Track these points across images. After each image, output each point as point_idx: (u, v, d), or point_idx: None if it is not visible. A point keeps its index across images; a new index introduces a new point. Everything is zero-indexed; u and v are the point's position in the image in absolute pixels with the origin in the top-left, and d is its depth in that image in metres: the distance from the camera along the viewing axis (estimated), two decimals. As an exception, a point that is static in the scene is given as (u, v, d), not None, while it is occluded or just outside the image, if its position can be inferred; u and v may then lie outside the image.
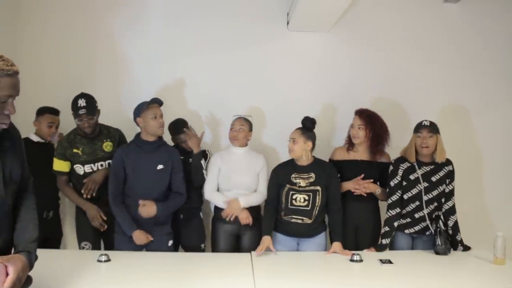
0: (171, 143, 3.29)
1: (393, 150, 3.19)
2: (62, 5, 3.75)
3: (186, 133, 3.17)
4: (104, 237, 3.19)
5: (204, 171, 3.16)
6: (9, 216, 1.67)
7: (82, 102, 2.98)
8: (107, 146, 3.15)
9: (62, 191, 3.23)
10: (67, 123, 3.29)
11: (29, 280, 1.65)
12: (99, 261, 2.53)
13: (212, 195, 3.12)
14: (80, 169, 3.09)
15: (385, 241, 2.95)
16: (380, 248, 2.94)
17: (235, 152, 3.17)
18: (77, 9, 3.77)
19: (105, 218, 3.05)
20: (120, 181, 2.91)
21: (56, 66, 3.74)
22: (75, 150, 3.08)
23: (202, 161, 3.18)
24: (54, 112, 3.29)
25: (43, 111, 3.26)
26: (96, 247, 3.15)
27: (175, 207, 3.03)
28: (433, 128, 2.93)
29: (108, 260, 2.54)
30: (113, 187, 2.91)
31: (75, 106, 3.01)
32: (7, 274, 1.51)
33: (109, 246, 3.09)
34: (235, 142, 3.16)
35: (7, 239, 1.64)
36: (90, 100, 3.03)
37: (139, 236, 2.86)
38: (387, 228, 2.98)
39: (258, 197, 3.10)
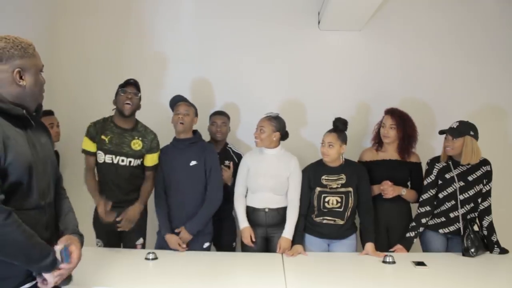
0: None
1: (425, 149, 3.14)
2: (99, 5, 3.88)
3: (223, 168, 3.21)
4: (124, 237, 3.07)
5: None
6: (54, 210, 1.76)
7: (131, 80, 3.02)
8: (136, 144, 3.00)
9: (84, 177, 3.04)
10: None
11: (69, 276, 1.71)
12: (147, 259, 2.65)
13: (238, 207, 3.06)
14: (101, 156, 2.98)
15: (409, 234, 2.94)
16: (406, 242, 2.92)
17: (265, 153, 3.07)
18: (113, 11, 3.89)
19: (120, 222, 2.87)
20: (161, 181, 3.01)
21: (92, 64, 3.85)
22: (103, 137, 2.98)
23: None
24: (49, 113, 3.19)
25: None
26: (110, 245, 3.04)
27: (207, 217, 2.96)
28: (455, 132, 2.86)
29: (156, 258, 2.66)
30: (157, 187, 3.03)
31: (121, 84, 3.00)
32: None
33: (128, 246, 3.04)
34: (256, 143, 3.08)
35: (52, 231, 1.71)
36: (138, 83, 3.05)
37: (171, 240, 2.90)
38: (414, 223, 2.97)
39: (295, 213, 2.96)
